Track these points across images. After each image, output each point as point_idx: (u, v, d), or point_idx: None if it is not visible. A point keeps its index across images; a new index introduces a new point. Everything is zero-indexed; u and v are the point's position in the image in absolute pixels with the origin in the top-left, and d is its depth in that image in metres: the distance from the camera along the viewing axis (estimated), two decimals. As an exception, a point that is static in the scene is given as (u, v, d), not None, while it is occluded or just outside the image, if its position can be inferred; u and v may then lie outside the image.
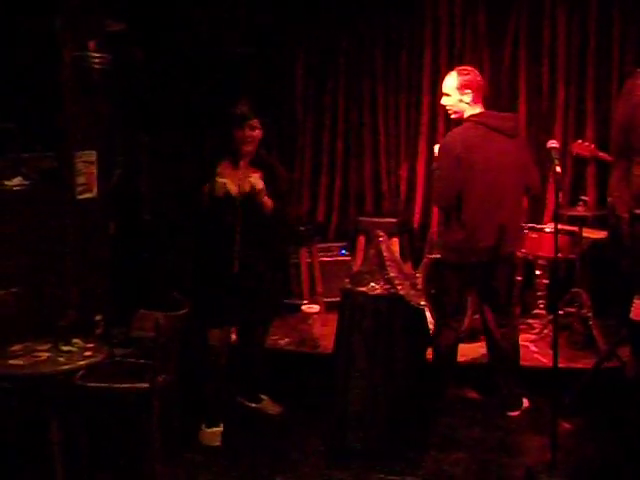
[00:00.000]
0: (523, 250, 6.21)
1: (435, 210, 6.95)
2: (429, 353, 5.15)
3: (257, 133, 4.98)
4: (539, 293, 6.31)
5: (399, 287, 4.73)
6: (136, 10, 6.22)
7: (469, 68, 5.21)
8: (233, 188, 4.88)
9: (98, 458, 4.46)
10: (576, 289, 5.96)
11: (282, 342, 6.17)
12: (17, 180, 4.93)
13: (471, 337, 5.97)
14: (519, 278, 6.34)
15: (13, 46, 5.10)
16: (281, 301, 5.30)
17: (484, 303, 5.27)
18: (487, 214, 4.98)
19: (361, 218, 7.19)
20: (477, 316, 5.64)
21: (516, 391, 5.23)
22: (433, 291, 5.88)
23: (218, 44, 6.72)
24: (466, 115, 5.07)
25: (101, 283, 5.60)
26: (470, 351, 5.88)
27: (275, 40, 7.30)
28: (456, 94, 5.07)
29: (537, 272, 6.30)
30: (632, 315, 5.55)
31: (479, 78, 5.12)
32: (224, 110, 5.11)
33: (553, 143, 4.57)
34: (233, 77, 6.79)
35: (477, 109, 5.07)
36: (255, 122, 4.97)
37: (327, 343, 5.61)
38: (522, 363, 5.39)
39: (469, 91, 5.04)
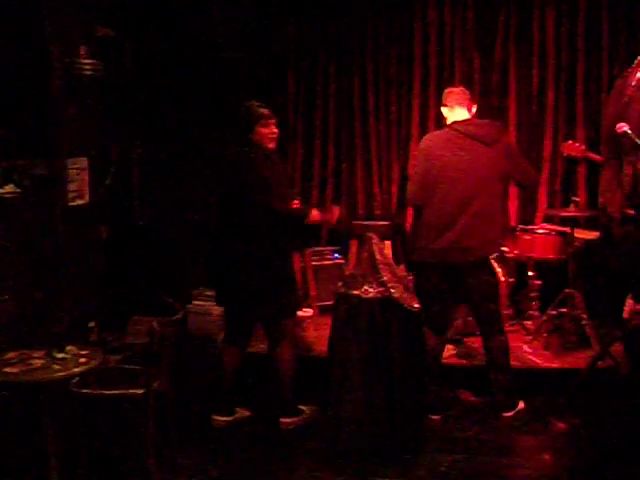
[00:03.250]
0: (515, 251, 6.24)
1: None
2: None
3: (277, 131, 5.13)
4: (532, 294, 6.32)
5: (392, 290, 4.73)
6: (132, 12, 6.23)
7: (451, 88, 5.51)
8: None
9: (94, 464, 4.45)
10: (569, 290, 5.96)
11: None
12: (9, 187, 4.92)
13: (466, 335, 6.01)
14: (511, 280, 6.37)
15: (2, 53, 5.09)
16: (289, 300, 5.16)
17: (468, 306, 5.29)
18: (446, 217, 5.06)
19: (353, 222, 7.20)
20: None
21: (510, 392, 5.23)
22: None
23: (214, 46, 6.74)
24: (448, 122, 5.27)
25: (94, 289, 5.59)
26: (464, 352, 5.90)
27: (266, 44, 7.30)
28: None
29: (530, 273, 6.31)
30: (625, 314, 5.58)
31: (458, 92, 5.32)
32: (237, 109, 5.16)
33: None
34: (228, 79, 6.82)
35: (458, 117, 5.20)
36: (275, 120, 5.12)
37: (321, 347, 5.61)
38: (516, 365, 5.41)
39: (446, 103, 5.28)
